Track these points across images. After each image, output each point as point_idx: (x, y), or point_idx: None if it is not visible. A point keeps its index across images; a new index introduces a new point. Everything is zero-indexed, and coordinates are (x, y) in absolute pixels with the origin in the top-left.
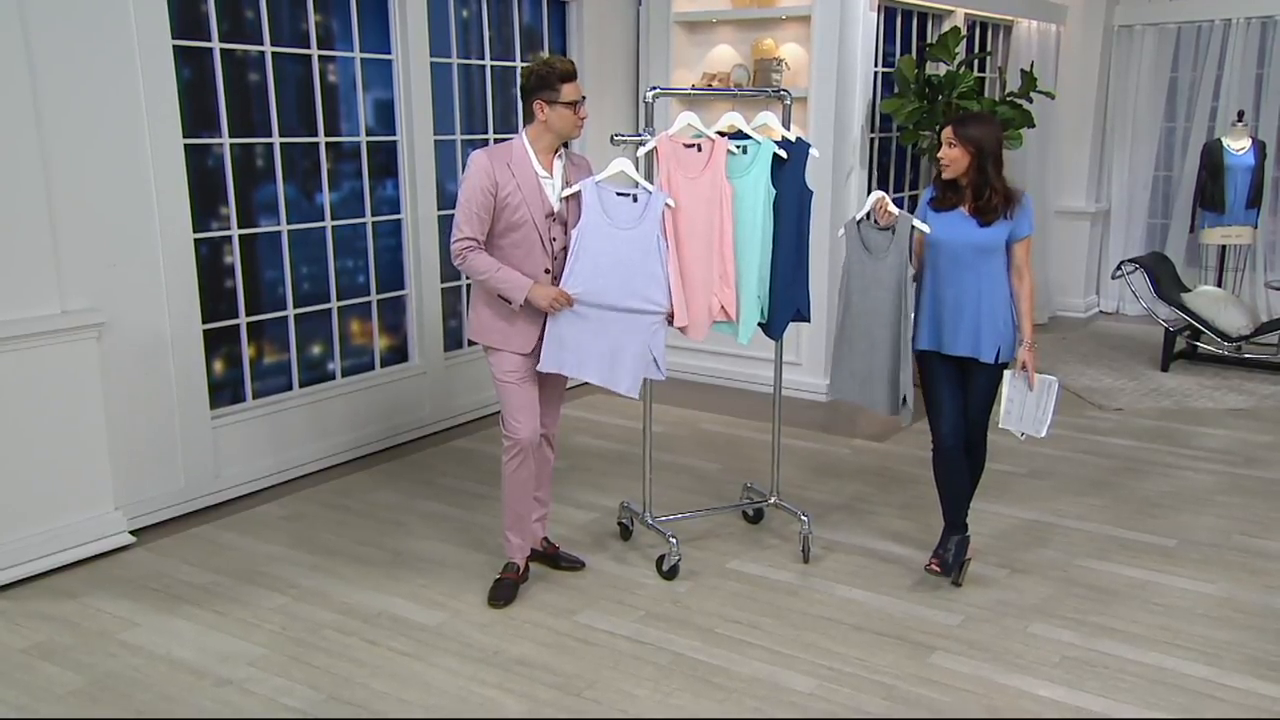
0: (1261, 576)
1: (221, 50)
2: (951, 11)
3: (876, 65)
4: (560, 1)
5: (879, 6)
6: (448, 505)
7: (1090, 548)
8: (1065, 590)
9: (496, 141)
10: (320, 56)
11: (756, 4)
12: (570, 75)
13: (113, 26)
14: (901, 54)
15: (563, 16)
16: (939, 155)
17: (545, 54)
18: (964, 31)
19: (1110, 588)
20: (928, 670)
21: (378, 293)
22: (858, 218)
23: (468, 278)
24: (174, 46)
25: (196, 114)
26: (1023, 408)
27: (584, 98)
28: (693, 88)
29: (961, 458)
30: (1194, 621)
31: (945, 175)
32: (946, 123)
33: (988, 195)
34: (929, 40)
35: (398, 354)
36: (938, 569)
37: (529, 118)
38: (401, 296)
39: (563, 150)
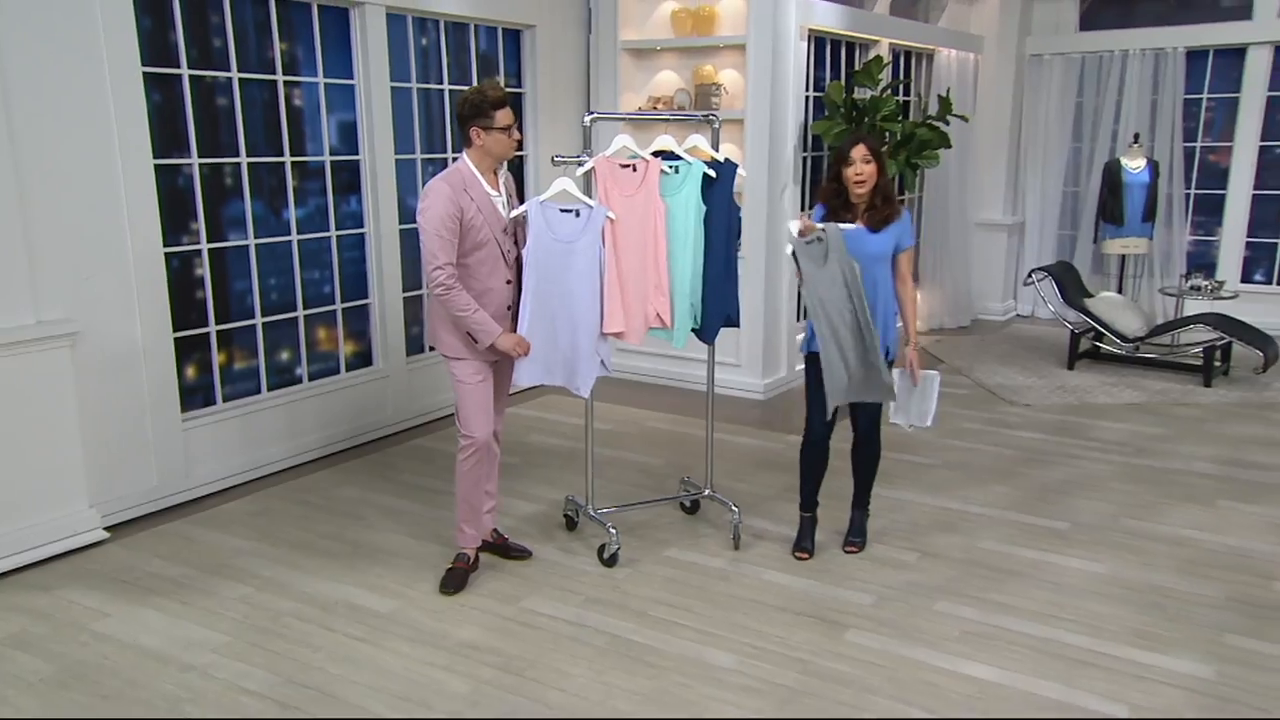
0: (1143, 555)
1: (190, 76)
2: (877, 41)
3: (807, 90)
4: (514, 30)
5: (809, 36)
6: (407, 500)
7: (993, 532)
8: (968, 571)
9: (455, 160)
10: (286, 81)
11: (696, 33)
12: (502, 102)
13: (84, 55)
14: (831, 79)
15: (517, 44)
16: (855, 172)
17: (478, 82)
18: (887, 59)
19: (1008, 568)
20: (841, 646)
21: (343, 302)
22: (792, 249)
23: (441, 300)
24: (144, 73)
25: (167, 136)
26: (909, 402)
27: (517, 121)
28: (639, 111)
29: (825, 449)
30: (1080, 597)
31: (862, 190)
32: (854, 142)
33: (886, 204)
34: (856, 67)
35: (362, 359)
36: (854, 549)
37: (467, 143)
38: (365, 305)
39: (499, 168)
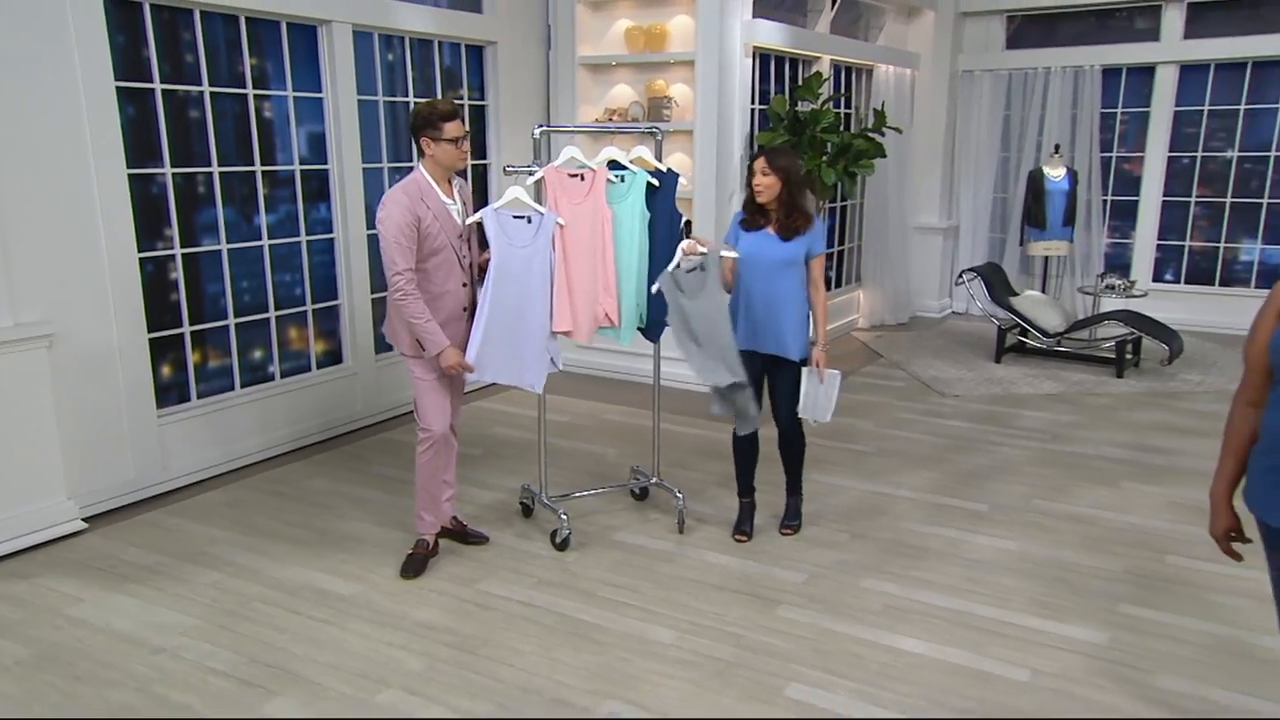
0: (1052, 533)
1: (163, 90)
2: (818, 58)
3: (753, 103)
4: (477, 46)
5: (753, 53)
6: (373, 490)
7: (917, 514)
8: (894, 550)
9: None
10: (256, 95)
11: (649, 50)
12: (451, 115)
13: (58, 71)
14: (775, 93)
15: (480, 59)
16: (756, 183)
17: (441, 96)
18: (826, 75)
19: (929, 546)
20: (773, 621)
21: (313, 303)
22: (670, 270)
23: (397, 305)
24: (117, 88)
25: (141, 147)
26: (815, 398)
27: (467, 133)
28: (596, 122)
29: (755, 440)
30: (993, 572)
31: (760, 199)
32: (757, 155)
33: (793, 216)
34: (798, 82)
35: (332, 357)
36: (790, 532)
37: (420, 153)
38: (335, 306)
39: (454, 177)
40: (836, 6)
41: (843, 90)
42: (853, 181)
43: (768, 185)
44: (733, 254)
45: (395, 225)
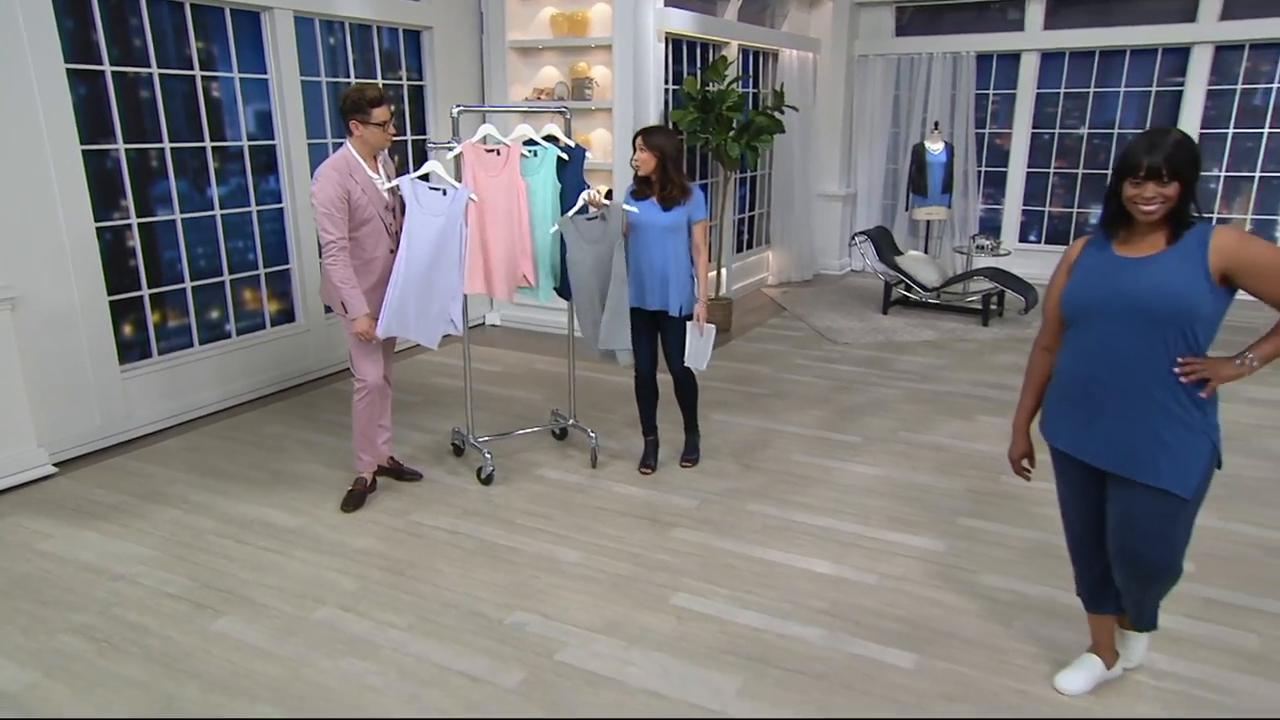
0: (912, 460)
1: (113, 72)
2: (727, 43)
3: (667, 83)
4: (414, 31)
5: (666, 38)
6: (323, 434)
7: (801, 446)
8: (777, 478)
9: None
10: (203, 76)
11: (572, 34)
12: (378, 101)
13: (8, 55)
14: (687, 74)
15: (418, 43)
16: (635, 158)
17: (381, 76)
18: (731, 59)
19: (808, 475)
20: (666, 541)
21: (265, 267)
22: (572, 214)
23: (327, 269)
24: (68, 70)
25: (94, 125)
26: (695, 348)
27: (394, 116)
28: (526, 100)
29: (653, 385)
30: (858, 495)
31: (641, 173)
32: (637, 134)
33: (669, 187)
34: (710, 64)
35: (286, 315)
36: (689, 464)
37: (349, 132)
38: (286, 270)
39: (379, 152)
40: None
41: (750, 72)
42: (755, 154)
43: (644, 160)
44: (633, 209)
45: (327, 198)
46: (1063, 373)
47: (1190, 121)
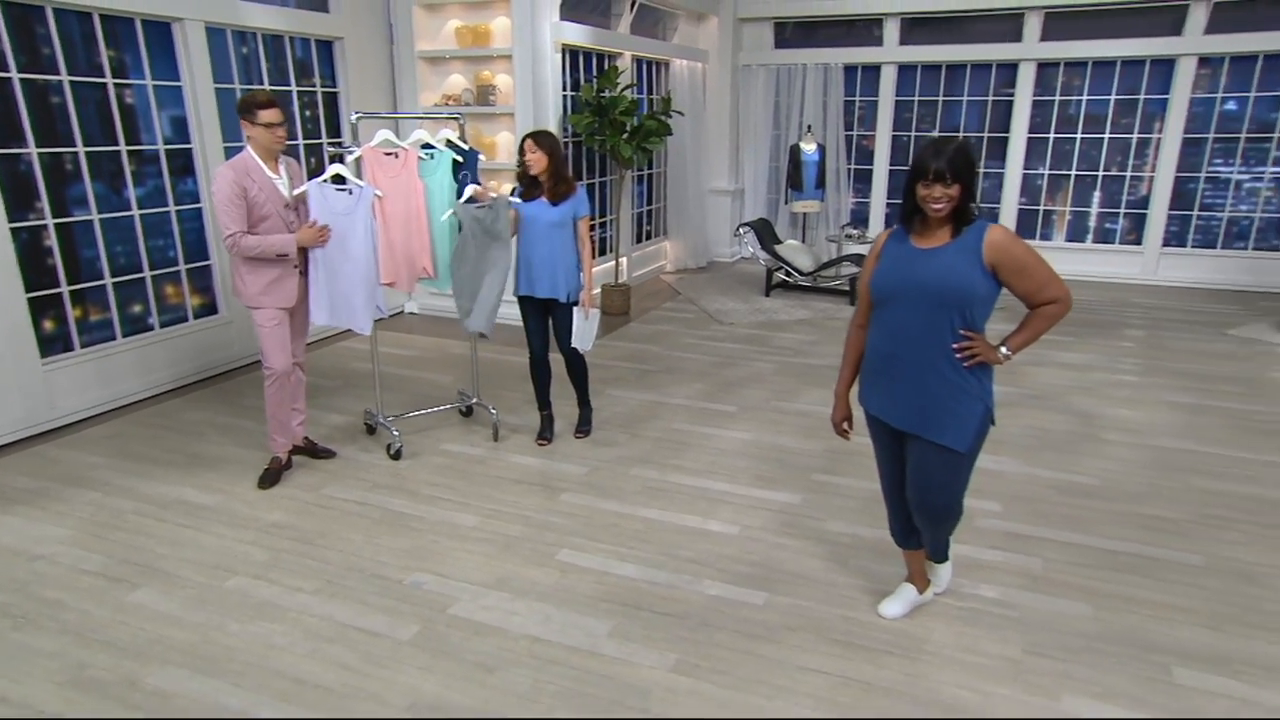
0: (779, 426)
1: (21, 79)
2: (620, 54)
3: (565, 90)
4: (326, 41)
5: (563, 49)
6: (243, 419)
7: (684, 416)
8: (660, 446)
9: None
10: (116, 84)
11: (476, 45)
12: (267, 104)
13: None
14: (584, 82)
15: (330, 52)
16: (526, 159)
17: (296, 83)
18: (624, 68)
19: (688, 441)
20: (557, 505)
21: (186, 263)
22: (461, 202)
23: (244, 257)
24: None
25: (4, 130)
26: (581, 331)
27: (283, 121)
28: (435, 105)
29: (546, 365)
30: (729, 457)
31: (533, 171)
32: (526, 136)
33: (559, 183)
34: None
35: (208, 309)
36: (582, 436)
37: (246, 135)
38: (208, 265)
39: (281, 155)
40: (635, 9)
41: (645, 80)
42: (646, 154)
43: (537, 160)
44: (518, 201)
45: (224, 195)
46: (871, 348)
47: (1019, 127)
